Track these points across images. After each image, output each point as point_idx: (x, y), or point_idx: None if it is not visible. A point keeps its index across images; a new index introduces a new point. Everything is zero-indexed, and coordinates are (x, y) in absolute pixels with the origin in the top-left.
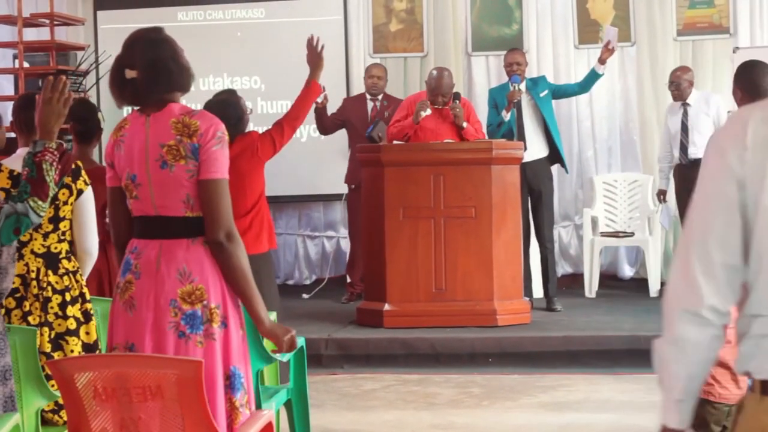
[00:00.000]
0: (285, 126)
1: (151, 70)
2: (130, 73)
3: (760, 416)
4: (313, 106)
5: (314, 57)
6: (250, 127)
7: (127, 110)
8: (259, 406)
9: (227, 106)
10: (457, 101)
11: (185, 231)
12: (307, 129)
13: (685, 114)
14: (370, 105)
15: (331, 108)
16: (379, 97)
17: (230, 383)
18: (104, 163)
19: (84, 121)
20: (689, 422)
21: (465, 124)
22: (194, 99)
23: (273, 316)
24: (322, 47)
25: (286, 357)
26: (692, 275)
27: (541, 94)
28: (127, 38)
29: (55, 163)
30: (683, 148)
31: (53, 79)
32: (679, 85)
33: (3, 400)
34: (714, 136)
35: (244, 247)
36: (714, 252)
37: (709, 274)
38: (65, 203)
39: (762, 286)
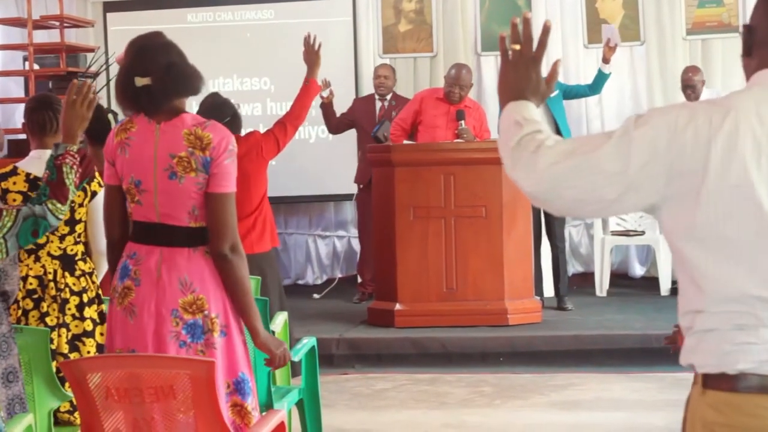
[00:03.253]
0: (287, 125)
1: (167, 75)
2: (141, 81)
3: (701, 408)
4: (320, 101)
5: (311, 55)
6: (261, 128)
7: None
8: (270, 406)
9: (220, 107)
10: (462, 121)
11: (187, 240)
12: (316, 130)
13: None
14: (378, 105)
15: (341, 107)
16: (388, 97)
17: (241, 389)
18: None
19: (95, 122)
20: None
21: (475, 140)
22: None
23: (284, 316)
24: (319, 45)
25: (297, 356)
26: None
27: (552, 95)
28: (131, 46)
29: (75, 166)
30: None
31: (78, 83)
32: (695, 87)
33: (6, 402)
34: (694, 103)
35: (246, 259)
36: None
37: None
38: (80, 205)
39: (705, 283)
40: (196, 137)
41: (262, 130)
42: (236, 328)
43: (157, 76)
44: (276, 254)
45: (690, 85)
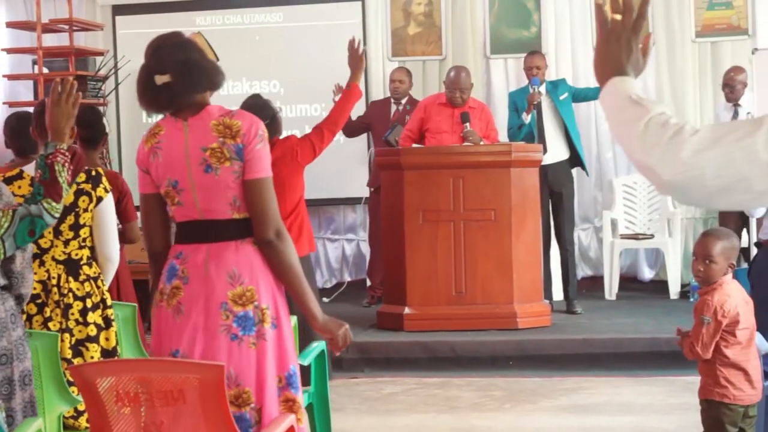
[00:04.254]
0: (325, 130)
1: (185, 70)
2: (161, 79)
3: None
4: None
5: (355, 60)
6: None
7: (156, 117)
8: None
9: (260, 108)
10: (467, 124)
11: (233, 233)
12: None
13: (736, 114)
14: (393, 109)
15: (356, 111)
16: (403, 101)
17: (293, 383)
18: (110, 168)
19: (89, 127)
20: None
21: (482, 142)
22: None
23: (293, 320)
24: (364, 50)
25: (306, 360)
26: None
27: (561, 97)
28: (149, 46)
29: (67, 164)
30: None
31: (60, 81)
32: (734, 87)
33: (23, 405)
34: None
35: (293, 243)
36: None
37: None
38: (85, 210)
39: None
40: (224, 126)
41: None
42: (286, 320)
43: (176, 72)
44: (313, 259)
45: (728, 84)
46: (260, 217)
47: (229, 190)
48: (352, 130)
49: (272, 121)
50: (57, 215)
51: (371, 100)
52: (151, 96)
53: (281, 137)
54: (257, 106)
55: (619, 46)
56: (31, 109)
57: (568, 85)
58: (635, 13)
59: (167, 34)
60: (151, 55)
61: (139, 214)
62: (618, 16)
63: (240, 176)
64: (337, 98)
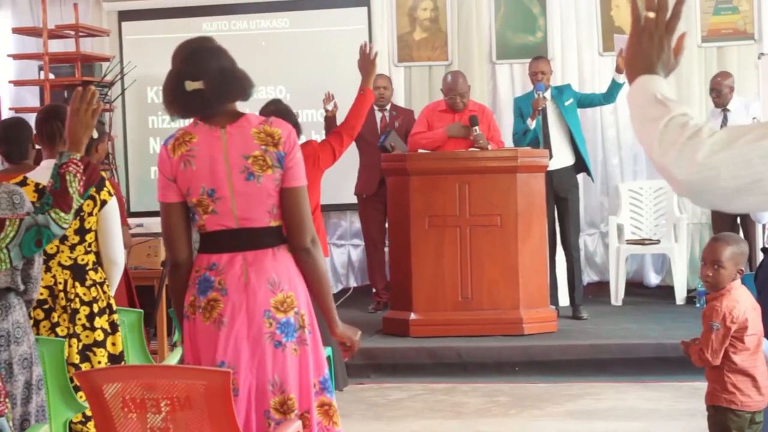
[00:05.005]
0: (344, 135)
1: (220, 79)
2: (192, 85)
3: None
4: (323, 114)
5: (367, 64)
6: None
7: (180, 122)
8: None
9: (284, 114)
10: (476, 127)
11: (270, 240)
12: None
13: (725, 120)
14: (378, 116)
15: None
16: (387, 107)
17: (328, 387)
18: (116, 173)
19: None
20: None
21: (490, 146)
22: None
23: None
24: (376, 54)
25: None
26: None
27: (566, 103)
28: (179, 51)
29: (79, 175)
30: None
31: (82, 90)
32: (720, 92)
33: (36, 410)
34: None
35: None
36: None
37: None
38: (90, 214)
39: None
40: (266, 134)
41: None
42: (317, 326)
43: (210, 80)
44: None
45: (715, 89)
46: (299, 224)
47: (269, 197)
48: None
49: (296, 126)
50: (66, 226)
51: None
52: (179, 102)
53: (301, 142)
54: (279, 112)
55: (651, 44)
56: (27, 116)
57: (574, 90)
58: (670, 12)
59: (200, 38)
60: (183, 61)
61: (132, 220)
62: (652, 14)
63: (280, 184)
64: (329, 107)
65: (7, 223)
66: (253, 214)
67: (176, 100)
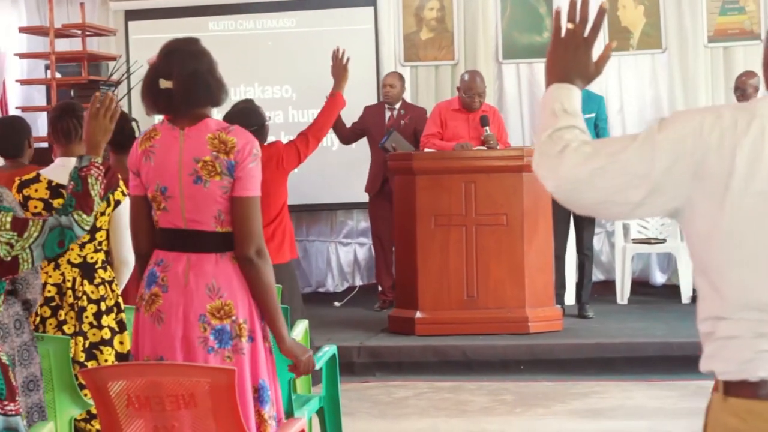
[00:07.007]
0: (310, 137)
1: (188, 82)
2: (164, 83)
3: (723, 416)
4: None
5: (339, 69)
6: (282, 136)
7: (157, 118)
8: (291, 414)
9: (249, 114)
10: (486, 127)
11: (214, 246)
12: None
13: None
14: (387, 114)
15: (352, 117)
16: (396, 105)
17: (259, 396)
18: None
19: (118, 132)
20: None
21: (499, 147)
22: (224, 108)
23: (304, 324)
24: (348, 59)
25: (318, 365)
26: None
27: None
28: (164, 47)
29: (100, 178)
30: None
31: (101, 94)
32: (744, 91)
33: (26, 411)
34: (718, 106)
35: (271, 264)
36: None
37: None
38: (102, 213)
39: (726, 290)
40: (220, 141)
41: (284, 138)
42: (261, 334)
43: (180, 81)
44: (296, 266)
45: (739, 87)
46: (244, 234)
47: (215, 203)
48: (347, 137)
49: (259, 128)
50: (87, 227)
51: (365, 105)
52: (151, 97)
53: (266, 143)
54: (245, 110)
55: (567, 55)
56: (33, 114)
57: (601, 105)
58: (590, 25)
59: (183, 39)
60: (163, 58)
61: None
62: (571, 26)
63: (228, 191)
64: None
65: (31, 223)
66: (201, 217)
67: (148, 95)
